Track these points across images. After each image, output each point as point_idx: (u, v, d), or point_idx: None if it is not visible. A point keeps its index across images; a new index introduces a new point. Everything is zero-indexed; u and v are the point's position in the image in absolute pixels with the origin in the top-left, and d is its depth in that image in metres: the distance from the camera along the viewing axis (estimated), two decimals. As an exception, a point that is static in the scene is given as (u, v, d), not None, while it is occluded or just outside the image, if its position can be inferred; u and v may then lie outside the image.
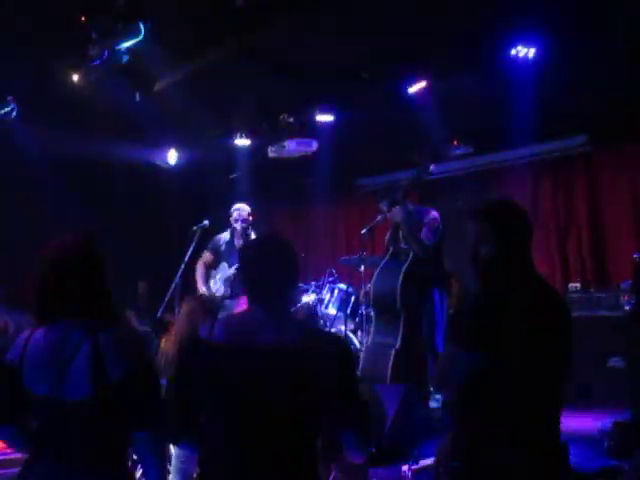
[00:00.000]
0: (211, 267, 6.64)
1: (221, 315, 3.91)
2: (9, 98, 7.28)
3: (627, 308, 6.24)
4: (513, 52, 6.29)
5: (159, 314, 5.83)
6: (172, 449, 3.52)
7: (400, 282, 5.63)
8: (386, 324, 5.80)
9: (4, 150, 7.84)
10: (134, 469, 2.95)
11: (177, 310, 5.89)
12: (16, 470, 2.26)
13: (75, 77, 6.58)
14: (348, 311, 6.98)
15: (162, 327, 5.83)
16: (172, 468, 3.47)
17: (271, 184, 9.77)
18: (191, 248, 6.13)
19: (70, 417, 2.10)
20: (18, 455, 2.42)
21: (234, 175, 8.61)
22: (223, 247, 6.55)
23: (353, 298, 7.11)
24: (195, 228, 6.25)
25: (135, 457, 2.39)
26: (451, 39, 6.12)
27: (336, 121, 7.99)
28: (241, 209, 6.50)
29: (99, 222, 8.05)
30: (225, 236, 6.61)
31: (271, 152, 8.38)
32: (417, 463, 4.15)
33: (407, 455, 4.23)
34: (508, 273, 2.37)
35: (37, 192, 8.40)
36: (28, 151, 8.01)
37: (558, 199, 8.01)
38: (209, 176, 9.98)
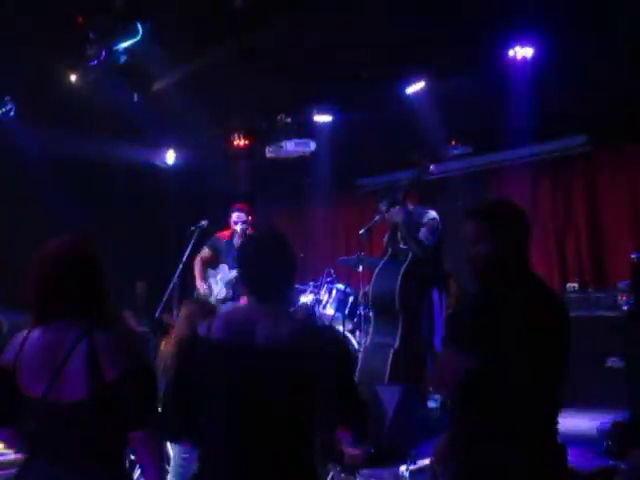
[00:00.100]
0: (209, 264, 6.64)
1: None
2: (7, 98, 7.27)
3: (625, 308, 6.23)
4: (512, 52, 6.29)
5: (157, 314, 5.83)
6: (170, 450, 3.51)
7: (399, 283, 5.62)
8: (385, 324, 5.79)
9: (2, 150, 7.83)
10: (132, 469, 2.95)
11: (175, 311, 5.89)
12: (13, 471, 2.26)
13: (73, 77, 6.58)
14: (346, 311, 6.98)
15: (160, 327, 5.84)
16: (170, 469, 3.46)
17: (269, 184, 9.77)
18: (189, 248, 6.13)
19: (67, 417, 2.09)
20: (16, 456, 2.42)
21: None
22: (223, 246, 6.56)
23: (351, 298, 7.11)
24: (193, 228, 6.25)
25: (133, 457, 2.38)
26: (450, 39, 6.11)
27: (335, 121, 7.99)
28: (240, 210, 6.51)
29: (97, 222, 8.05)
30: (225, 235, 6.61)
31: (269, 152, 8.38)
32: (415, 463, 4.15)
33: (406, 455, 4.23)
34: (506, 273, 2.37)
35: (35, 192, 8.38)
36: (26, 151, 8.00)
37: (557, 199, 8.02)
38: (207, 176, 9.98)
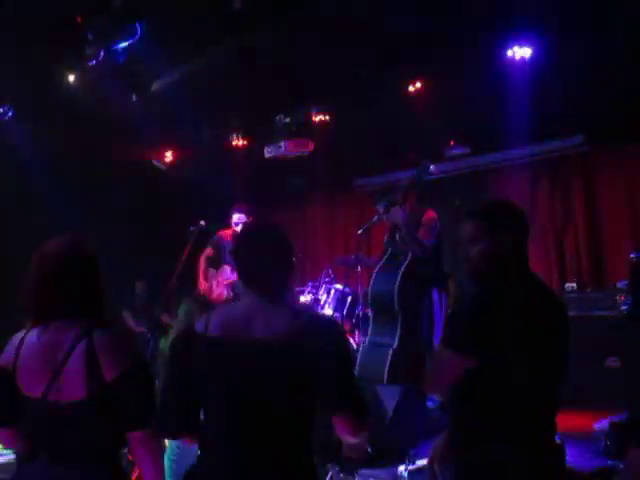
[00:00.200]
0: (211, 263, 6.64)
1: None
2: (5, 98, 7.27)
3: (624, 308, 6.24)
4: (510, 52, 6.30)
5: (155, 314, 5.83)
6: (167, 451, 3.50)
7: (398, 283, 5.62)
8: (384, 324, 5.79)
9: (2, 150, 7.82)
10: (131, 469, 2.95)
11: (174, 311, 5.89)
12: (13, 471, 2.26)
13: (72, 77, 6.58)
14: (344, 312, 6.98)
15: (159, 327, 5.84)
16: (166, 468, 3.45)
17: (268, 184, 9.76)
18: (188, 249, 6.12)
19: (67, 417, 2.09)
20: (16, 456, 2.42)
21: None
22: (225, 246, 6.55)
23: (349, 298, 7.11)
24: (192, 229, 6.24)
25: (131, 457, 2.38)
26: (449, 39, 6.11)
27: (334, 121, 7.99)
28: (241, 211, 6.51)
29: (96, 222, 8.04)
30: (227, 235, 6.62)
31: (267, 152, 8.38)
32: (414, 463, 4.15)
33: (405, 455, 4.23)
34: (505, 273, 2.37)
35: (34, 192, 8.38)
36: (24, 151, 8.00)
37: (556, 199, 8.02)
38: (207, 177, 9.97)
